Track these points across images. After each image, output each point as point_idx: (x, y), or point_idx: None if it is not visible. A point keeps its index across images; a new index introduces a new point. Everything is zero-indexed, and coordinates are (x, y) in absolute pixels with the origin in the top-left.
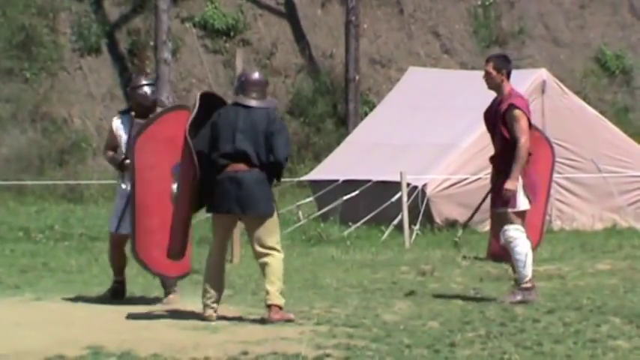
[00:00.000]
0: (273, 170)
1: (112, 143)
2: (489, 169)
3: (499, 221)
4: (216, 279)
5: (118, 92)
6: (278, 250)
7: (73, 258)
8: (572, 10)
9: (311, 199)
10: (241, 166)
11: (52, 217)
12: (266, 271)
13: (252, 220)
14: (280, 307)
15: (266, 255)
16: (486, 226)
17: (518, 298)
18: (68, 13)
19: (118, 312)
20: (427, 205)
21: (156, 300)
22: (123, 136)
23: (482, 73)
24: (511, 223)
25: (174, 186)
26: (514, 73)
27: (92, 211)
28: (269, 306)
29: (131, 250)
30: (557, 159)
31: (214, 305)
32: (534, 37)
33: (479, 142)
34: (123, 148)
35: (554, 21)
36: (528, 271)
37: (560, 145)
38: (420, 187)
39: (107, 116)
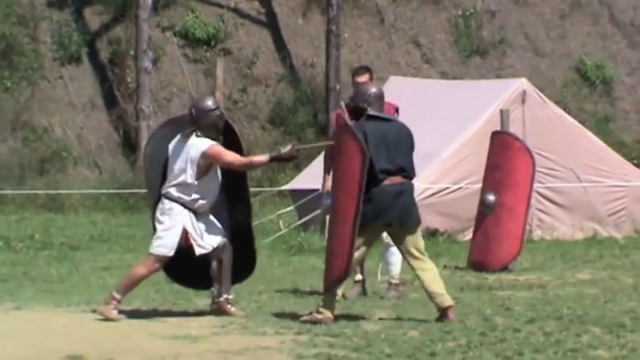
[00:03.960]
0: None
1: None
2: (470, 179)
3: None
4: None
5: (99, 101)
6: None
7: (54, 267)
8: (553, 20)
9: (292, 208)
10: (399, 179)
11: (33, 226)
12: (431, 275)
13: (408, 229)
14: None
15: (424, 261)
16: (467, 236)
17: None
18: (49, 22)
19: (98, 321)
20: None
21: (137, 311)
22: None
23: (463, 82)
24: None
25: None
26: (495, 82)
27: (73, 221)
28: (447, 308)
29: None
30: (538, 168)
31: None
32: (515, 46)
33: (460, 152)
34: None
35: (534, 31)
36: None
37: (540, 155)
38: None
39: (88, 125)
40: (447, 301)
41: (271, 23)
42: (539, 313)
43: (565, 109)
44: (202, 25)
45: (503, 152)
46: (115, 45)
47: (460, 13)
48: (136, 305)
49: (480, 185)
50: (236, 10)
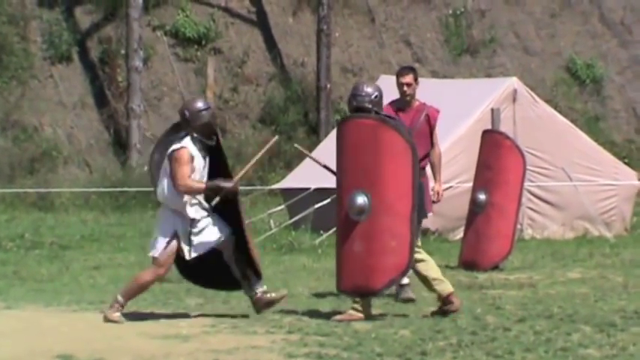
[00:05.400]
0: None
1: (190, 171)
2: (461, 178)
3: None
4: None
5: (89, 100)
6: None
7: (44, 266)
8: (543, 19)
9: (282, 207)
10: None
11: (23, 226)
12: (429, 264)
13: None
14: None
15: (420, 253)
16: (457, 235)
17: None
18: (39, 21)
19: (88, 321)
20: None
21: (127, 310)
22: (201, 162)
23: (454, 81)
24: None
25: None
26: (485, 81)
27: (63, 220)
28: (448, 295)
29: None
30: (528, 167)
31: None
32: (505, 45)
33: (450, 151)
34: (199, 174)
35: (525, 30)
36: None
37: (531, 154)
38: None
39: (78, 124)
40: (448, 288)
41: (262, 22)
42: (529, 312)
43: (555, 108)
44: (193, 24)
45: (494, 151)
46: (106, 44)
47: (450, 12)
48: (126, 305)
49: (470, 184)
50: (226, 10)
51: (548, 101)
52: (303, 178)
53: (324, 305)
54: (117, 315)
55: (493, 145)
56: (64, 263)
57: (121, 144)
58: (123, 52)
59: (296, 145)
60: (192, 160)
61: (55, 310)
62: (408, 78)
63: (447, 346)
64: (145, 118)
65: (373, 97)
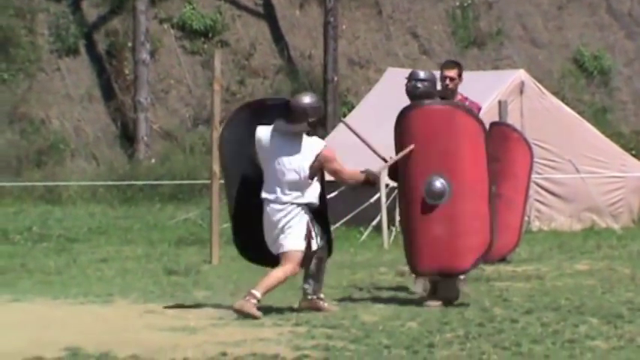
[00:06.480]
0: None
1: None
2: None
3: None
4: None
5: (96, 93)
6: None
7: (52, 259)
8: (551, 11)
9: None
10: None
11: (30, 219)
12: None
13: None
14: None
15: None
16: None
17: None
18: (46, 14)
19: (96, 313)
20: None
21: (135, 303)
22: None
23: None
24: None
25: None
26: (493, 74)
27: (70, 212)
28: None
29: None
30: (536, 159)
31: None
32: (512, 38)
33: None
34: None
35: (532, 22)
36: None
37: (538, 146)
38: None
39: (85, 117)
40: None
41: (269, 15)
42: (537, 304)
43: (563, 99)
44: (200, 16)
45: (502, 143)
46: (113, 37)
47: (458, 4)
48: (133, 297)
49: None
50: (233, 2)
51: (555, 93)
52: None
53: (332, 297)
54: (251, 306)
55: (500, 138)
56: (71, 256)
57: (128, 137)
58: (130, 44)
59: (342, 120)
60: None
61: (63, 302)
62: (452, 72)
63: (455, 338)
64: (152, 110)
65: (434, 82)
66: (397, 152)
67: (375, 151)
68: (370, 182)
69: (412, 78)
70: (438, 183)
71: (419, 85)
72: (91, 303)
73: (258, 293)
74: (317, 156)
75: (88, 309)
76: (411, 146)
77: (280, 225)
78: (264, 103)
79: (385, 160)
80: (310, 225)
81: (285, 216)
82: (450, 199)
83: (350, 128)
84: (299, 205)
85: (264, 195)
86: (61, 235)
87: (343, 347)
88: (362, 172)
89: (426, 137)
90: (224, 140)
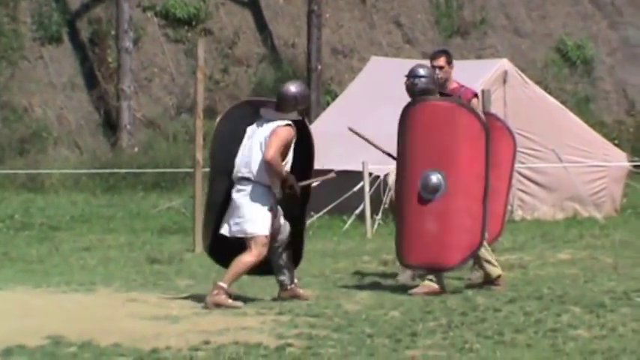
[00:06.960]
0: None
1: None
2: None
3: None
4: None
5: (79, 81)
6: None
7: (34, 248)
8: (534, 0)
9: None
10: None
11: (12, 207)
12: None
13: None
14: None
15: None
16: None
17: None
18: (29, 1)
19: (78, 302)
20: (389, 195)
21: (117, 291)
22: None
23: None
24: None
25: None
26: (476, 63)
27: (53, 201)
28: (497, 277)
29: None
30: (519, 149)
31: None
32: (496, 27)
33: None
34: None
35: (515, 11)
36: None
37: (521, 135)
38: (382, 176)
39: (68, 105)
40: (497, 271)
41: (252, 3)
42: (519, 293)
43: (546, 89)
44: (183, 5)
45: None
46: (96, 25)
47: None
48: (116, 286)
49: None
50: None
51: (538, 82)
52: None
53: (314, 286)
54: (224, 298)
55: None
56: (53, 244)
57: (111, 125)
58: (113, 32)
59: (350, 128)
60: (291, 144)
61: (45, 291)
62: (440, 61)
63: (437, 327)
64: (135, 99)
65: (433, 78)
66: (399, 147)
67: (385, 152)
68: (286, 185)
69: (411, 75)
70: (435, 178)
71: (417, 81)
72: (74, 291)
73: (224, 284)
74: (273, 130)
75: (71, 297)
76: (332, 174)
77: (245, 206)
78: (265, 103)
79: (395, 159)
80: (275, 209)
81: (249, 195)
82: (443, 195)
83: (357, 134)
84: (264, 185)
85: (233, 175)
86: (44, 223)
87: (326, 336)
88: (288, 174)
89: (427, 132)
90: (217, 132)
